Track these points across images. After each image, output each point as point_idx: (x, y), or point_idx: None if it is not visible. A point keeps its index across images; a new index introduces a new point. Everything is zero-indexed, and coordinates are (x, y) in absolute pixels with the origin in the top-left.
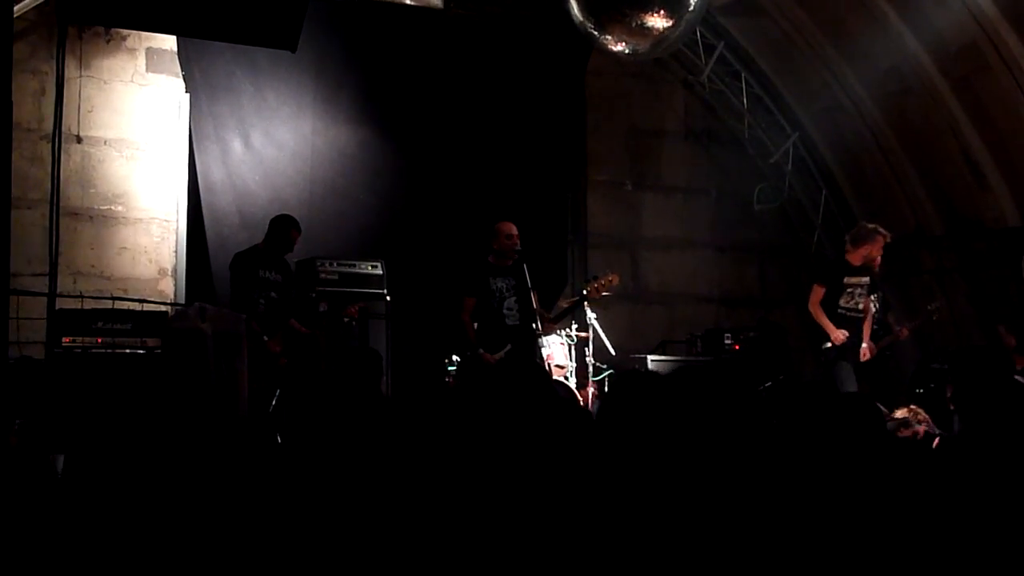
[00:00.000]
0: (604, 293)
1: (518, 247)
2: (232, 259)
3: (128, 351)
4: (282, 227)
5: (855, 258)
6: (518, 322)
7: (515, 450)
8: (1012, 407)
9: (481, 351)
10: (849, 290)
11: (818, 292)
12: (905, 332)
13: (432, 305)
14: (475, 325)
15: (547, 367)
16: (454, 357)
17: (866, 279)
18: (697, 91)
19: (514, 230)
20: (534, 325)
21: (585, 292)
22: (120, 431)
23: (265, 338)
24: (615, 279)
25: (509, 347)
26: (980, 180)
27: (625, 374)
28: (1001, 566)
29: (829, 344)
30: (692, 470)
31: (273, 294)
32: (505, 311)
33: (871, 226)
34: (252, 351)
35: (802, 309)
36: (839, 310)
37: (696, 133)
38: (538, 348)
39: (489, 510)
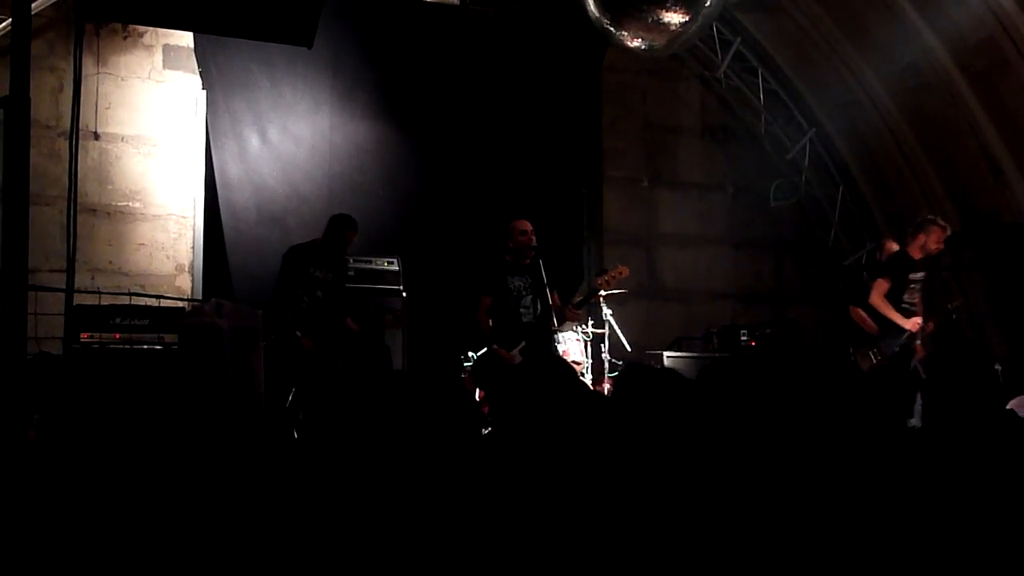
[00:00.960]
0: (612, 287)
1: (534, 243)
2: (286, 251)
3: (145, 347)
4: (336, 227)
5: (914, 251)
6: (533, 319)
7: (538, 443)
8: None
9: (495, 347)
10: (912, 286)
11: (882, 286)
12: (931, 327)
13: (448, 301)
14: (490, 322)
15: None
16: (470, 353)
17: (921, 274)
18: (714, 87)
19: (528, 226)
20: (551, 321)
21: (595, 284)
22: (137, 426)
23: (298, 334)
24: (624, 271)
25: (523, 343)
26: (998, 176)
27: (632, 367)
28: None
29: (897, 349)
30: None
31: (319, 293)
32: (521, 309)
33: (929, 216)
34: (284, 347)
35: (819, 306)
36: (903, 305)
37: (712, 129)
38: (553, 344)
39: (508, 503)
